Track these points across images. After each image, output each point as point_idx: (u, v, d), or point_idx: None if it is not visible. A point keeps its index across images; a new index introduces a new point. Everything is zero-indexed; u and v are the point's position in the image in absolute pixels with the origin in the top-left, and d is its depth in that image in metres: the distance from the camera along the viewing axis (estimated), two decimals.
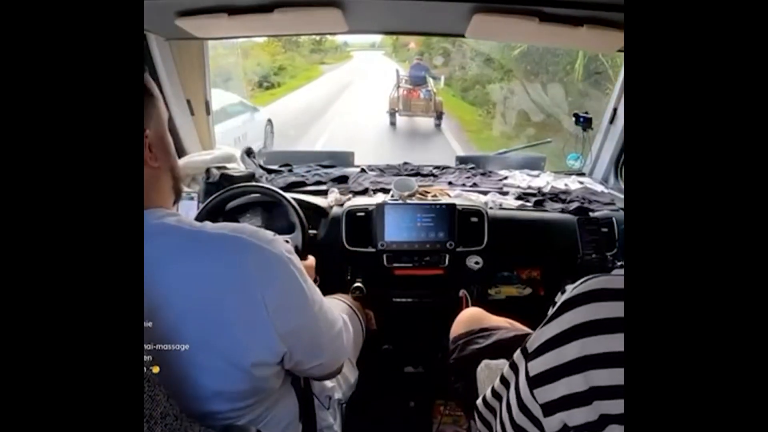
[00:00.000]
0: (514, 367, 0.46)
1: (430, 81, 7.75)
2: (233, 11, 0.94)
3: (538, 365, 0.41)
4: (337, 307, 1.00)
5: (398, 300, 1.21)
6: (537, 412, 0.42)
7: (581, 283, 0.41)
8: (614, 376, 0.37)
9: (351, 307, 1.05)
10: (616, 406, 0.37)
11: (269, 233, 0.52)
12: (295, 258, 0.53)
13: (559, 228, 1.17)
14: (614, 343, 0.37)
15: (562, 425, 0.41)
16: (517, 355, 0.46)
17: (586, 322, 0.38)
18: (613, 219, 1.16)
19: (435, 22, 1.10)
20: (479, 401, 0.55)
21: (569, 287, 0.42)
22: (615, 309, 0.37)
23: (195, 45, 1.30)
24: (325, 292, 0.74)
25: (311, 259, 0.98)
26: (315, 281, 1.04)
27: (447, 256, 1.14)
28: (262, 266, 0.49)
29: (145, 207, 0.49)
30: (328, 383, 0.78)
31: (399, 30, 1.28)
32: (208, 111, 1.42)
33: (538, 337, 0.42)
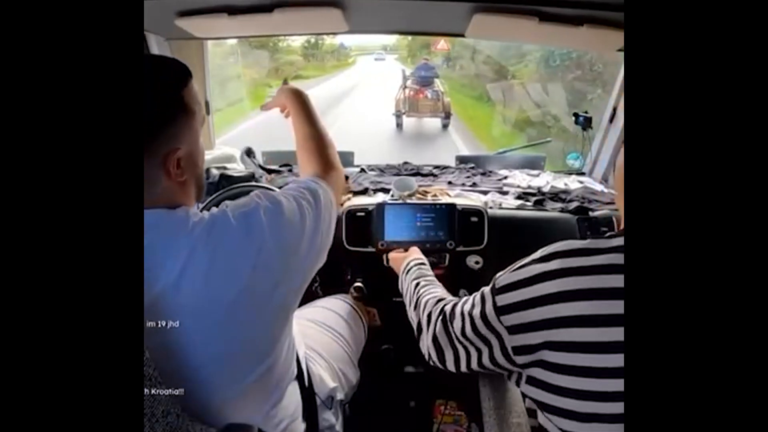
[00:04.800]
0: (481, 299, 0.58)
1: (437, 81, 7.69)
2: (233, 11, 0.94)
3: (507, 298, 0.53)
4: (339, 308, 1.00)
5: (398, 300, 1.21)
6: (502, 330, 0.54)
7: (550, 247, 0.53)
8: (580, 308, 0.47)
9: (353, 307, 1.05)
10: (572, 334, 0.48)
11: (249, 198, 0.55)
12: (270, 199, 0.55)
13: (559, 227, 1.17)
14: (581, 282, 0.48)
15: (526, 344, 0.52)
16: (486, 291, 0.58)
17: (556, 269, 0.50)
18: (613, 218, 1.16)
19: (435, 22, 1.10)
20: (444, 309, 0.66)
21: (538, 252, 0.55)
22: (581, 261, 0.49)
23: (194, 45, 1.30)
24: (326, 292, 0.75)
25: None
26: (314, 281, 1.04)
27: (447, 256, 1.14)
28: (246, 230, 0.51)
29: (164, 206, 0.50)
30: (331, 383, 0.78)
31: (399, 30, 1.28)
32: (207, 111, 1.42)
33: (509, 277, 0.54)
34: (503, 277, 0.56)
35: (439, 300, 0.70)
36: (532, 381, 0.53)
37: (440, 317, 0.65)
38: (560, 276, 0.49)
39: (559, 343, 0.49)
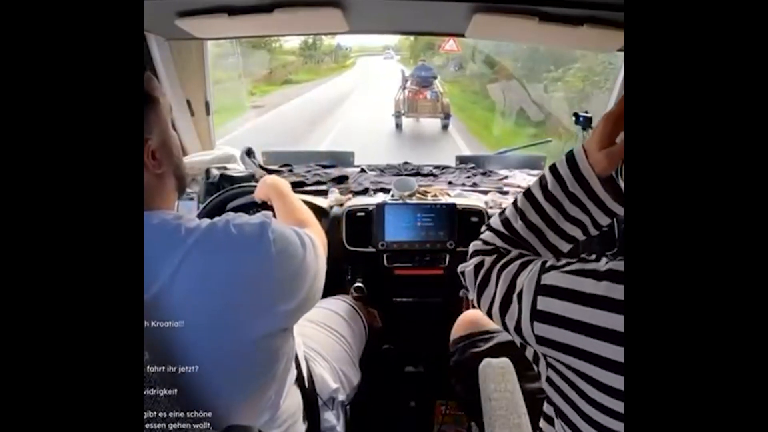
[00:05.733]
0: (519, 295, 0.48)
1: (437, 82, 7.71)
2: (233, 11, 0.94)
3: (551, 305, 0.44)
4: (339, 308, 1.00)
5: (399, 300, 1.21)
6: (529, 336, 0.47)
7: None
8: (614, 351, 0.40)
9: (353, 307, 1.05)
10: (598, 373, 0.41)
11: (250, 217, 0.54)
12: (280, 223, 0.55)
13: None
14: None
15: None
16: (527, 283, 0.47)
17: (619, 300, 0.40)
18: (613, 218, 1.16)
19: (435, 22, 1.10)
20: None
21: (612, 262, 0.44)
22: None
23: (195, 45, 1.30)
24: (326, 292, 0.75)
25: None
26: None
27: (447, 256, 1.14)
28: (249, 248, 0.50)
29: (148, 209, 0.50)
30: (332, 384, 0.78)
31: (399, 30, 1.28)
32: (207, 111, 1.42)
33: (562, 279, 0.44)
34: (555, 276, 0.45)
35: (488, 248, 0.57)
36: (554, 386, 0.48)
37: (474, 266, 0.55)
38: (617, 311, 0.40)
39: (597, 383, 0.41)
